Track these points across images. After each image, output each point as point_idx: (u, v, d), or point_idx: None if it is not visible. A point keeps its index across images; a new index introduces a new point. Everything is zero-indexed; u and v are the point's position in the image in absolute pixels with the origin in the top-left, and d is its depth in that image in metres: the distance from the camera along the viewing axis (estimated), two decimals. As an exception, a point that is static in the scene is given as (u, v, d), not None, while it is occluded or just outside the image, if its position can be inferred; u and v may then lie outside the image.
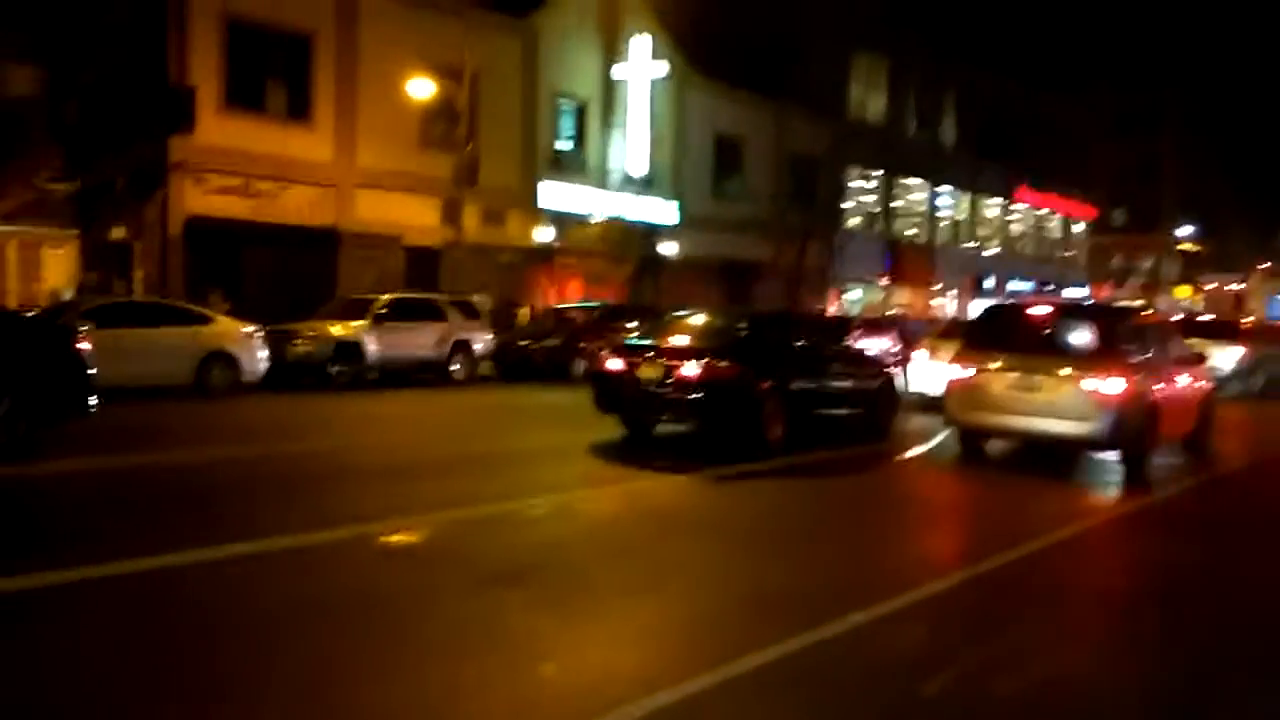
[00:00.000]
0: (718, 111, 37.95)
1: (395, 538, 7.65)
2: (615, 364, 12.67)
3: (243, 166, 24.26)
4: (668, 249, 35.69)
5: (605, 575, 6.87)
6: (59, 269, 22.69)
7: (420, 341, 21.13)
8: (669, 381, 12.01)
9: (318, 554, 7.08)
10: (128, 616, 5.63)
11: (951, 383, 12.80)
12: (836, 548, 8.06)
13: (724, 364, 11.93)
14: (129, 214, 23.05)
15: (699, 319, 14.30)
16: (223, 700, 4.57)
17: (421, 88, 26.02)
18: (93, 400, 11.08)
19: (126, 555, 6.60)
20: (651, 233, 34.80)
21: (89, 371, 11.13)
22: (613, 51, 33.88)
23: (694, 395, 11.88)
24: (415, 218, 27.28)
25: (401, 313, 20.98)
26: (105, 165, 21.97)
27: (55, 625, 5.46)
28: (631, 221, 32.85)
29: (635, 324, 22.58)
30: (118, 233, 22.98)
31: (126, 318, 16.62)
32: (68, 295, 21.09)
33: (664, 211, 35.62)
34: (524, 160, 31.34)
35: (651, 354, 12.45)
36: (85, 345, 11.38)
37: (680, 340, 12.96)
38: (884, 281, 45.18)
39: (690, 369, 11.93)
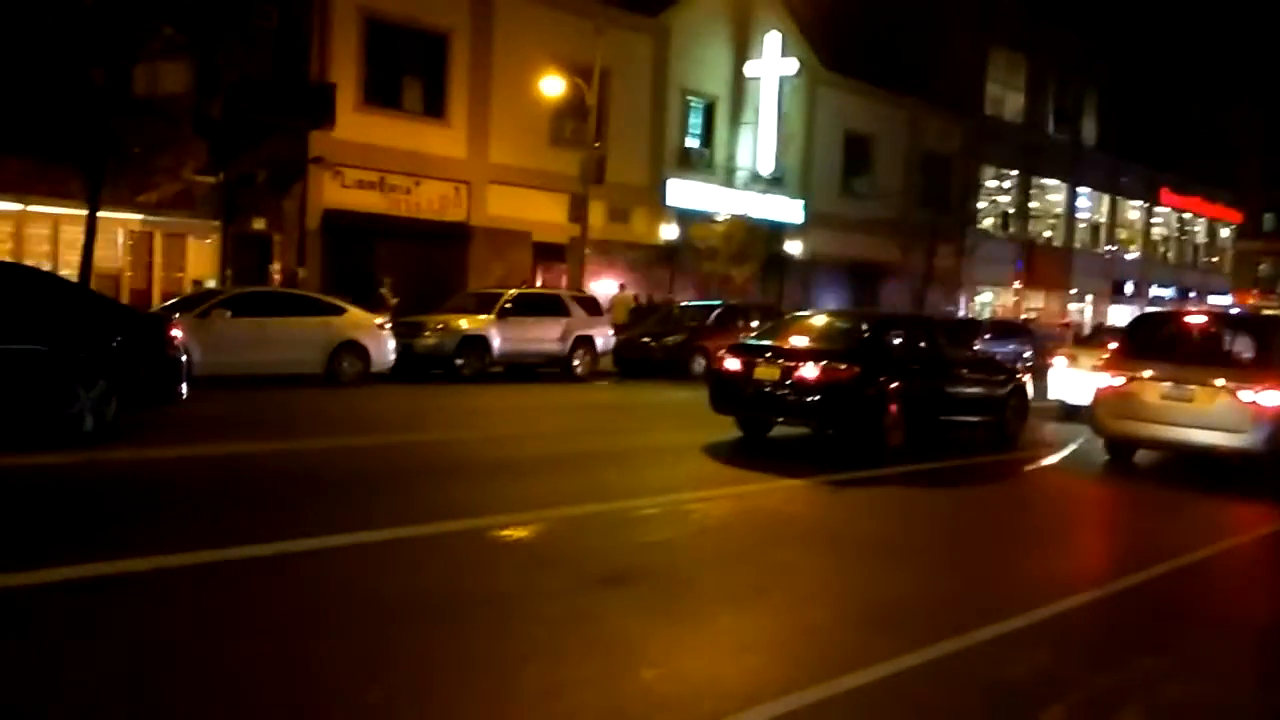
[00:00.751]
0: (848, 108, 37.39)
1: (506, 533, 7.66)
2: (733, 364, 12.53)
3: (379, 162, 24.89)
4: (793, 248, 35.31)
5: (712, 580, 6.74)
6: (202, 260, 23.59)
7: (544, 336, 21.31)
8: (787, 383, 11.82)
9: (429, 546, 7.14)
10: (236, 603, 5.74)
11: (1100, 391, 12.46)
12: (958, 560, 7.80)
13: (843, 366, 11.69)
14: (269, 207, 23.82)
15: (820, 320, 14.11)
16: (326, 691, 4.61)
17: (552, 85, 26.25)
18: (183, 389, 11.36)
19: (240, 541, 6.76)
20: (777, 232, 34.48)
21: (181, 360, 11.41)
22: (743, 49, 33.68)
23: (812, 398, 11.68)
24: (543, 214, 27.55)
25: (526, 307, 21.19)
26: (247, 160, 22.71)
27: (166, 609, 5.60)
28: (757, 220, 32.61)
29: (757, 324, 22.40)
30: (258, 225, 23.77)
31: (263, 307, 17.16)
32: (210, 284, 21.90)
33: (790, 210, 35.27)
34: (651, 158, 31.38)
35: (770, 355, 12.28)
36: (178, 333, 11.67)
37: (800, 341, 12.75)
38: (1016, 285, 43.91)
39: (809, 371, 11.73)
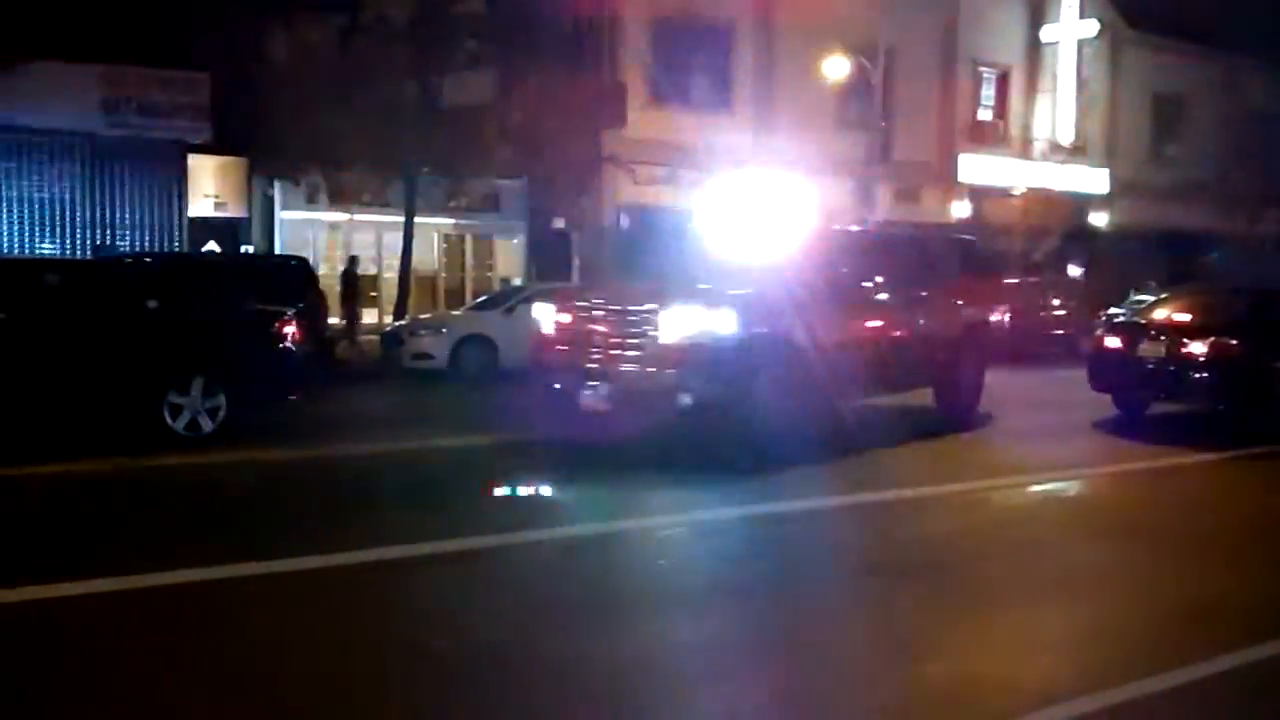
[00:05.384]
0: (1156, 69, 34.87)
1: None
2: (1113, 341, 12.62)
3: (668, 157, 25.62)
4: (1098, 220, 33.40)
5: (1015, 571, 6.69)
6: (509, 259, 25.21)
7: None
8: (1176, 359, 11.71)
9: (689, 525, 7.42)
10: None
11: None
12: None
13: (1234, 342, 11.45)
14: (568, 206, 25.08)
15: (1194, 296, 13.90)
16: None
17: (836, 67, 26.07)
18: (301, 388, 11.39)
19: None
20: (1080, 203, 32.72)
21: (296, 360, 11.46)
22: (1038, 13, 32.14)
23: (1200, 374, 11.53)
24: (829, 197, 27.42)
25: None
26: (547, 162, 23.97)
27: (456, 584, 6.14)
28: (1057, 192, 31.08)
29: (1059, 301, 21.47)
30: (558, 224, 25.10)
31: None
32: (516, 282, 23.37)
33: (1094, 180, 33.35)
34: (940, 133, 30.53)
35: (1153, 332, 12.21)
36: (291, 331, 11.51)
37: (1180, 317, 12.64)
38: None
39: (1197, 347, 11.59)
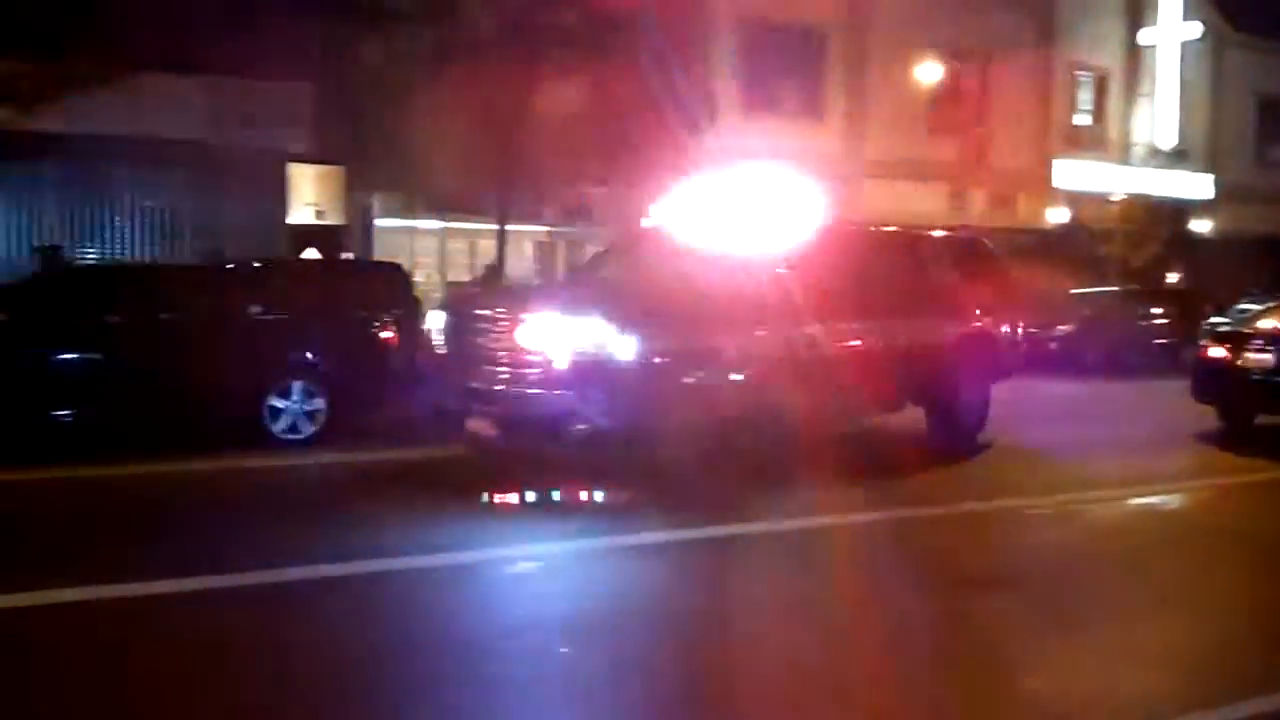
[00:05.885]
0: (1261, 70, 33.87)
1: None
2: (1217, 352, 12.33)
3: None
4: (1200, 226, 32.50)
5: (1123, 585, 6.58)
6: (598, 264, 25.45)
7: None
8: None
9: (798, 538, 7.42)
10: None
11: None
12: None
13: None
14: (655, 213, 25.14)
15: None
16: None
17: (930, 72, 25.80)
18: (397, 392, 11.18)
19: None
20: (1181, 210, 31.88)
21: (395, 365, 11.45)
22: (1138, 16, 31.42)
23: None
24: (920, 204, 27.12)
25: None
26: (637, 168, 24.07)
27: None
28: (1157, 198, 30.33)
29: (1159, 310, 20.97)
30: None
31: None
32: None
33: (1196, 185, 32.49)
34: (1036, 139, 30.01)
35: (1259, 341, 11.92)
36: (388, 336, 11.59)
37: None
38: None
39: None
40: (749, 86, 25.66)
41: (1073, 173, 30.14)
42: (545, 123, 22.09)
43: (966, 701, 4.71)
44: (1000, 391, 11.74)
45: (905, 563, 6.88)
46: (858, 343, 9.82)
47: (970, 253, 12.33)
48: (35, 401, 9.86)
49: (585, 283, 10.97)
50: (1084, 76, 31.18)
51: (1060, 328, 21.94)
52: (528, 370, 8.19)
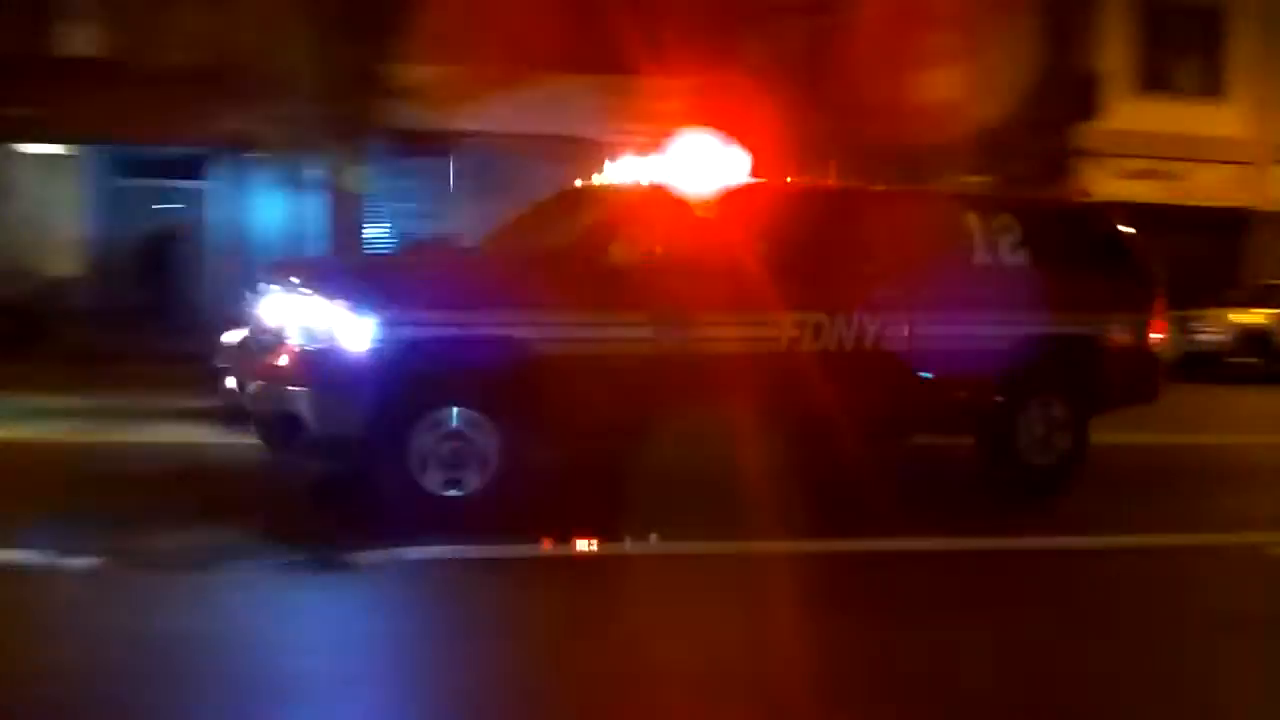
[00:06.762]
0: None
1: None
2: None
3: (1151, 149, 24.16)
4: None
5: None
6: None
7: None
8: None
9: (1190, 556, 7.08)
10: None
11: None
12: None
13: None
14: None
15: None
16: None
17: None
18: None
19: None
20: None
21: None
22: None
23: None
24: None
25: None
26: (1014, 157, 23.37)
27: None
28: None
29: None
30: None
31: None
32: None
33: None
34: None
35: None
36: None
37: None
38: None
39: None
40: (1141, 66, 24.30)
41: None
42: (918, 111, 21.91)
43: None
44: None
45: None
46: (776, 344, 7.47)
47: (1078, 230, 9.47)
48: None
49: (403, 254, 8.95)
50: None
51: None
52: (268, 359, 6.81)
